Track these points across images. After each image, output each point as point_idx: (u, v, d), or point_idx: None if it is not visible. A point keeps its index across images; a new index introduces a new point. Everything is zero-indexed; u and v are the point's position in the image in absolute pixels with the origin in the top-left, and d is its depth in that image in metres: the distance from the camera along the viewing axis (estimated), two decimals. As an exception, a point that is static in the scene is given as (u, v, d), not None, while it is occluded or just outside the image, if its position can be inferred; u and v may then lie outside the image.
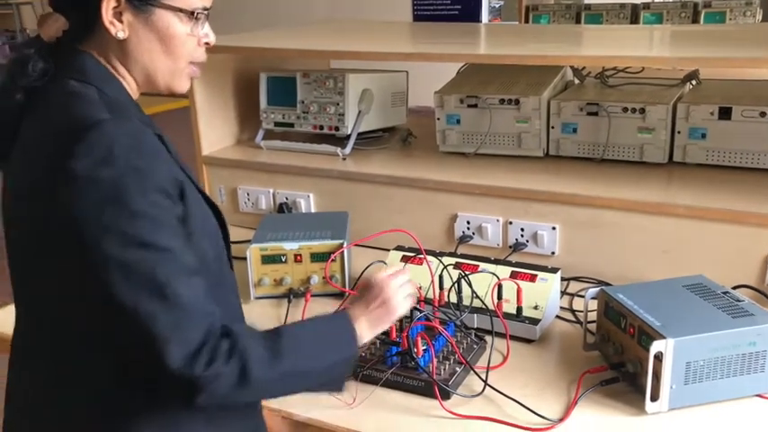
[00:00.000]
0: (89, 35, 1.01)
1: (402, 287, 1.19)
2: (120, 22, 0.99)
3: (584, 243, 1.72)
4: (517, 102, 1.91)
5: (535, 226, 1.75)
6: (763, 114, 1.73)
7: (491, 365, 1.36)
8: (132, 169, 0.89)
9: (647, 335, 1.24)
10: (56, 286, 0.97)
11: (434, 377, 1.27)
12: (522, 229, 1.76)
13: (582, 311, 1.47)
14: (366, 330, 1.13)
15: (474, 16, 5.36)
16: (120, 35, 0.99)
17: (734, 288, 1.40)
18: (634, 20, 4.03)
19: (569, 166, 1.90)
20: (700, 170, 1.81)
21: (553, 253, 1.75)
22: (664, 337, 1.20)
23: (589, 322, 1.41)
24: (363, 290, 1.17)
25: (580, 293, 1.64)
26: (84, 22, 1.00)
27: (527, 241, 1.76)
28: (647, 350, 1.22)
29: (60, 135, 0.93)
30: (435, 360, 1.29)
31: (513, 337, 1.44)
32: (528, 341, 1.46)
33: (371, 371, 1.32)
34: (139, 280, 0.87)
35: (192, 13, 1.02)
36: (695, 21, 3.80)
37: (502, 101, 1.93)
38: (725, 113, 1.77)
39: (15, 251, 1.04)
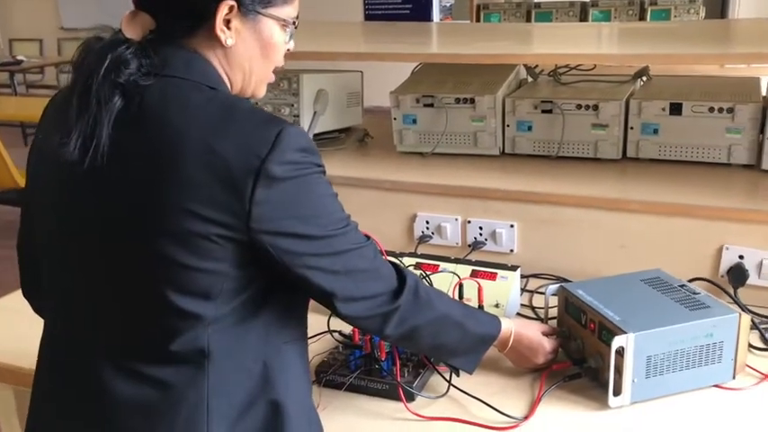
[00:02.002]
0: (188, 37, 1.01)
1: (551, 354, 1.33)
2: (229, 29, 1.01)
3: (541, 240, 1.73)
4: (472, 101, 1.92)
5: (493, 224, 1.75)
6: (711, 109, 1.76)
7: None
8: (319, 165, 0.99)
9: (607, 330, 1.25)
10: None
11: (399, 380, 1.26)
12: (481, 228, 1.76)
13: (542, 308, 1.48)
14: (507, 339, 1.28)
15: (425, 15, 5.38)
16: (230, 42, 1.01)
17: (690, 281, 1.43)
18: (583, 17, 4.09)
19: (525, 164, 1.91)
20: (652, 165, 1.84)
21: (512, 250, 1.75)
22: (624, 332, 1.21)
23: (550, 318, 1.42)
24: (532, 335, 1.32)
25: (540, 290, 1.65)
26: (188, 25, 1.00)
27: (486, 240, 1.77)
28: (609, 345, 1.23)
29: (239, 139, 0.93)
30: (399, 362, 1.28)
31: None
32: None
33: (335, 375, 1.31)
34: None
35: (290, 22, 1.07)
36: (642, 18, 3.88)
37: (457, 100, 1.93)
38: (676, 109, 1.80)
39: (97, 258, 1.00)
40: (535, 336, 1.32)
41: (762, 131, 1.74)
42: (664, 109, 1.81)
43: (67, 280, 1.05)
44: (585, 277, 1.64)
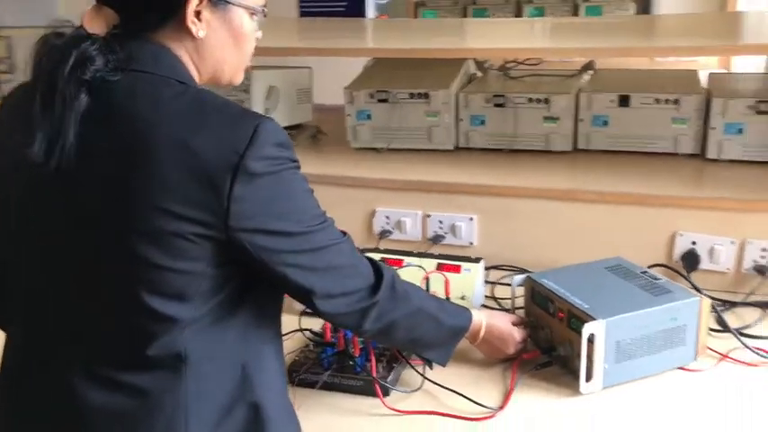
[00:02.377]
0: (155, 30, 0.97)
1: (520, 344, 1.35)
2: (199, 20, 0.98)
3: (500, 232, 1.75)
4: (426, 95, 1.93)
5: (453, 218, 1.77)
6: (658, 101, 1.82)
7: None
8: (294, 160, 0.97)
9: (576, 318, 1.28)
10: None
11: (375, 375, 1.25)
12: (441, 222, 1.77)
13: (505, 299, 1.50)
14: (478, 331, 1.29)
15: (359, 12, 5.36)
16: (201, 33, 0.98)
17: (649, 267, 1.47)
18: (518, 14, 4.17)
19: (480, 158, 1.93)
20: (603, 156, 1.89)
21: (471, 243, 1.77)
22: (595, 319, 1.23)
23: (517, 308, 1.44)
24: (502, 325, 1.33)
25: (501, 282, 1.67)
26: (156, 19, 0.97)
27: (446, 233, 1.78)
28: (578, 332, 1.26)
29: (212, 135, 0.90)
30: (374, 357, 1.28)
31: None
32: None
33: (308, 374, 1.29)
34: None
35: (259, 11, 1.04)
36: (575, 14, 3.98)
37: (412, 95, 1.93)
38: (624, 101, 1.86)
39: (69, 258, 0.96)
40: (505, 326, 1.33)
41: (705, 122, 1.80)
42: (612, 101, 1.86)
43: (34, 286, 1.00)
44: (544, 267, 1.66)
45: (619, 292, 1.34)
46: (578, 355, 1.27)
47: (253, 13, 1.04)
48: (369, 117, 1.98)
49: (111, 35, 0.96)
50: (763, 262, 1.56)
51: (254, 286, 1.00)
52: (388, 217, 1.81)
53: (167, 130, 0.90)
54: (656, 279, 1.38)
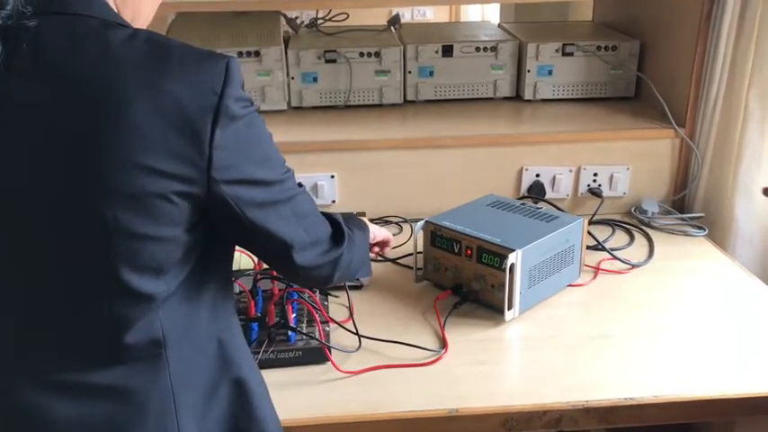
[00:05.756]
0: None
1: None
2: None
3: (361, 187, 1.75)
4: (257, 53, 1.83)
5: (313, 177, 1.72)
6: (478, 49, 1.94)
7: (343, 319, 1.33)
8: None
9: (489, 252, 1.34)
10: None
11: (322, 339, 1.20)
12: (300, 184, 1.70)
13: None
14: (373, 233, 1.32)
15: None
16: None
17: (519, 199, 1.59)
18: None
19: (313, 116, 1.90)
20: (431, 106, 1.97)
21: (334, 201, 1.74)
22: (512, 250, 1.30)
23: (419, 253, 1.46)
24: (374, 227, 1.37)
25: (372, 234, 1.68)
26: None
27: (307, 194, 1.72)
28: (491, 266, 1.33)
29: (177, 75, 0.78)
30: (318, 322, 1.21)
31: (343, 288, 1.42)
32: (357, 288, 1.45)
33: (241, 355, 1.18)
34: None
35: None
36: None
37: (241, 53, 1.82)
38: (447, 51, 1.94)
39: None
40: (374, 226, 1.38)
41: (519, 66, 1.97)
42: (437, 52, 1.94)
43: None
44: (409, 215, 1.72)
45: (513, 223, 1.43)
46: (493, 287, 1.34)
47: None
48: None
49: None
50: (595, 186, 1.77)
51: (215, 252, 0.91)
52: (242, 184, 1.70)
53: (133, 75, 0.77)
54: (537, 208, 1.50)
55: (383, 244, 1.41)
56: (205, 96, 0.79)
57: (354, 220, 1.21)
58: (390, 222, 1.74)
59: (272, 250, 0.94)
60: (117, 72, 0.77)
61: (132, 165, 0.76)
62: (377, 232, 1.36)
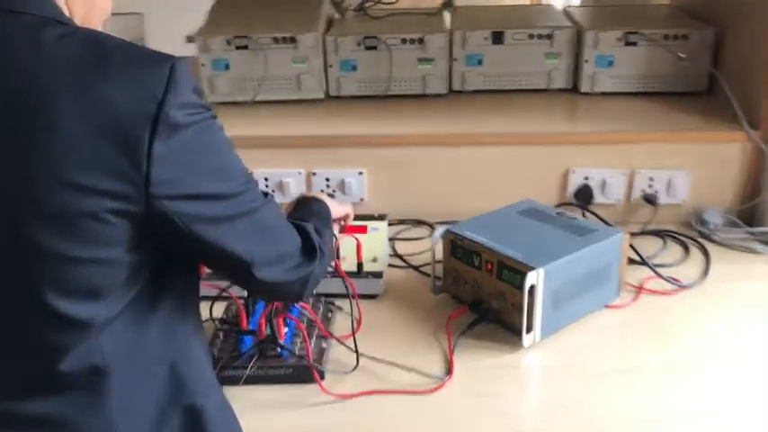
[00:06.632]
0: None
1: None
2: None
3: (392, 184, 1.64)
4: (293, 39, 1.74)
5: (341, 173, 1.62)
6: (531, 36, 1.79)
7: (347, 333, 1.23)
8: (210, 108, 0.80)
9: (509, 268, 1.21)
10: None
11: (310, 359, 1.11)
12: (328, 179, 1.62)
13: (412, 255, 1.41)
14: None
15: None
16: None
17: (556, 207, 1.44)
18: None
19: (353, 106, 1.80)
20: (479, 96, 1.83)
21: (362, 199, 1.64)
22: (533, 268, 1.17)
23: (437, 262, 1.35)
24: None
25: (399, 237, 1.58)
26: None
27: (334, 191, 1.63)
28: (511, 284, 1.20)
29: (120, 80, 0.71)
30: (306, 340, 1.13)
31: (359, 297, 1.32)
32: (372, 297, 1.36)
33: (228, 370, 1.12)
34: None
35: None
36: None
37: (276, 39, 1.74)
38: (498, 38, 1.80)
39: None
40: (333, 201, 1.22)
41: (577, 56, 1.80)
42: (486, 38, 1.80)
43: None
44: (441, 217, 1.60)
45: (543, 236, 1.29)
46: (513, 307, 1.21)
47: None
48: (227, 67, 1.76)
49: None
50: (650, 191, 1.60)
51: (170, 270, 0.84)
52: (266, 178, 1.63)
53: (63, 79, 0.70)
54: (572, 219, 1.35)
55: (343, 219, 1.27)
56: (143, 103, 0.71)
57: (313, 207, 1.11)
58: (422, 224, 1.63)
59: (229, 267, 0.86)
60: (46, 74, 0.70)
61: (57, 181, 0.69)
62: (336, 209, 1.21)
